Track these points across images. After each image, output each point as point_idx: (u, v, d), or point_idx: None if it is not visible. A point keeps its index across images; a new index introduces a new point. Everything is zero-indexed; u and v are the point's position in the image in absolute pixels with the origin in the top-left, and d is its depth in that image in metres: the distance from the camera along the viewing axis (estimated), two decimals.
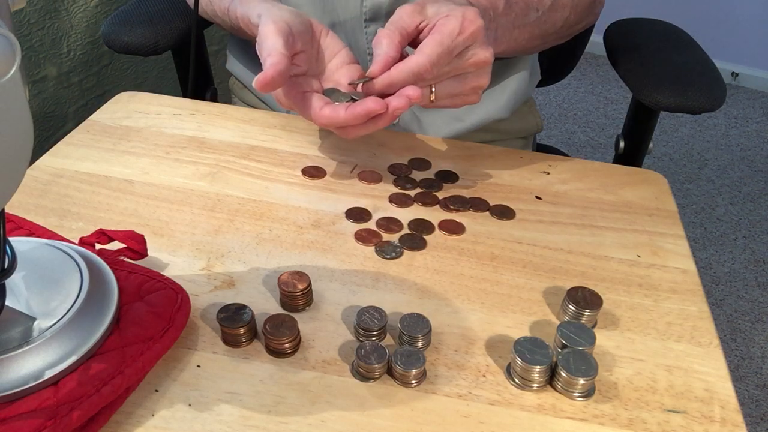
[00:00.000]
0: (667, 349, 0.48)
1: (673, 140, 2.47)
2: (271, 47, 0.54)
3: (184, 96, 0.78)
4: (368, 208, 0.60)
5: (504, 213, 0.60)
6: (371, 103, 0.54)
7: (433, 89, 0.56)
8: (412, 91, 0.54)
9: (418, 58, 0.54)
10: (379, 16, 0.72)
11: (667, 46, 0.90)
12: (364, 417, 0.42)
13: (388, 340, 0.47)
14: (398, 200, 0.61)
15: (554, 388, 0.44)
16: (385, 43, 0.55)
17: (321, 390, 0.43)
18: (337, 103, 0.56)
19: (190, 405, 0.42)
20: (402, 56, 0.56)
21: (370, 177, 0.64)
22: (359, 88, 0.57)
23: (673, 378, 0.46)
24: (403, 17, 0.56)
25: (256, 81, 0.53)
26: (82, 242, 0.50)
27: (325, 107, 0.56)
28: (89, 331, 0.41)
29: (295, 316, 0.47)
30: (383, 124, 0.56)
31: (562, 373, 0.43)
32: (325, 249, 0.55)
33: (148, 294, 0.46)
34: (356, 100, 0.55)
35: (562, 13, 0.71)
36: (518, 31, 0.66)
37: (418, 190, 0.63)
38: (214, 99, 1.00)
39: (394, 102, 0.54)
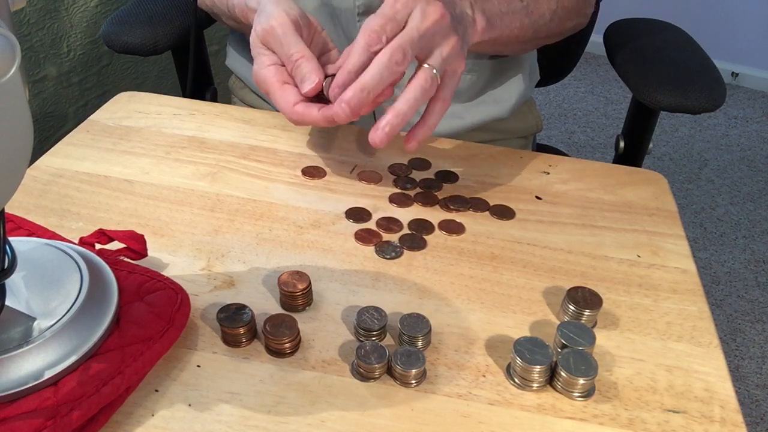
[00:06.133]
0: (667, 349, 0.48)
1: (673, 140, 2.47)
2: (303, 49, 0.56)
3: (183, 96, 0.78)
4: (368, 208, 0.60)
5: (504, 213, 0.60)
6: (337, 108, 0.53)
7: (426, 64, 0.54)
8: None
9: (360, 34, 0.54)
10: (372, 11, 0.72)
11: (667, 46, 0.90)
12: (364, 417, 0.42)
13: (388, 340, 0.47)
14: (398, 200, 0.61)
15: (554, 388, 0.44)
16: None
17: (321, 390, 0.43)
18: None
19: (190, 405, 0.42)
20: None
21: (370, 177, 0.64)
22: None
23: (673, 378, 0.46)
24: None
25: (308, 92, 0.55)
26: (82, 242, 0.50)
27: (299, 104, 0.56)
28: (89, 331, 0.41)
29: (295, 316, 0.47)
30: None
31: (562, 373, 0.43)
32: (325, 249, 0.55)
33: (148, 294, 0.46)
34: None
35: (549, 5, 0.71)
36: (508, 17, 0.66)
37: (418, 190, 0.63)
38: (214, 99, 1.00)
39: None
